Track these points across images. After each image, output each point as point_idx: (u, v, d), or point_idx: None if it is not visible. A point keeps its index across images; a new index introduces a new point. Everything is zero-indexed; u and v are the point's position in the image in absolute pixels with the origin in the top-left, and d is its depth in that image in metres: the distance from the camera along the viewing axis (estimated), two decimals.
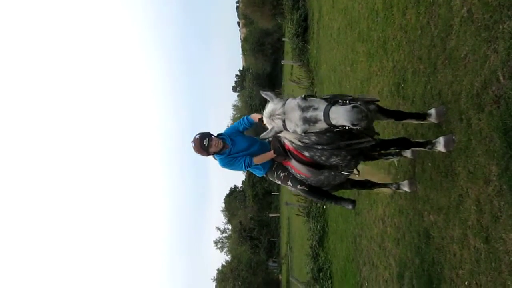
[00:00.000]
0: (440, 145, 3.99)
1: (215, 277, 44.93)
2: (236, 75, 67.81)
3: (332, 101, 2.82)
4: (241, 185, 58.95)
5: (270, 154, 4.45)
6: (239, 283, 41.59)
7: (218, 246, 61.82)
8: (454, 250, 3.92)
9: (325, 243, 12.24)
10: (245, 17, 53.31)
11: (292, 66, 24.83)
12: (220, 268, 44.59)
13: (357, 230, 7.97)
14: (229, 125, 5.06)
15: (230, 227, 59.69)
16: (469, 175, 3.67)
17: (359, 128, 2.80)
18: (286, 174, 4.49)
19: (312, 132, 3.19)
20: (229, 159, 4.68)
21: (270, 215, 44.46)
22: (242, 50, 64.80)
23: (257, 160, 4.54)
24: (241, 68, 68.04)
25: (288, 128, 2.90)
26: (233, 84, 69.92)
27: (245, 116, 4.82)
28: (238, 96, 66.33)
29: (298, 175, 4.29)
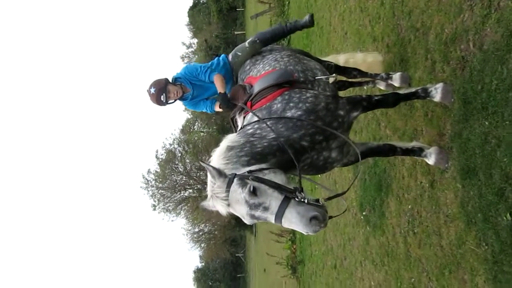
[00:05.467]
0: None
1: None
2: None
3: (287, 194, 2.38)
4: None
5: None
6: None
7: (185, 61, 61.68)
8: (403, 173, 4.26)
9: None
10: None
11: None
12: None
13: None
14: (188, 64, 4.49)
15: (196, 41, 58.63)
16: (426, 117, 3.76)
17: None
18: None
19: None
20: (192, 103, 4.45)
21: (236, 32, 43.30)
22: None
23: (218, 108, 4.29)
24: None
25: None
26: None
27: (209, 70, 4.17)
28: None
29: None
